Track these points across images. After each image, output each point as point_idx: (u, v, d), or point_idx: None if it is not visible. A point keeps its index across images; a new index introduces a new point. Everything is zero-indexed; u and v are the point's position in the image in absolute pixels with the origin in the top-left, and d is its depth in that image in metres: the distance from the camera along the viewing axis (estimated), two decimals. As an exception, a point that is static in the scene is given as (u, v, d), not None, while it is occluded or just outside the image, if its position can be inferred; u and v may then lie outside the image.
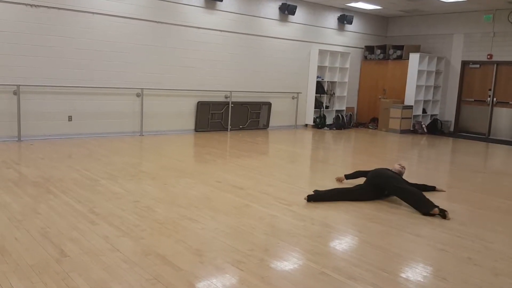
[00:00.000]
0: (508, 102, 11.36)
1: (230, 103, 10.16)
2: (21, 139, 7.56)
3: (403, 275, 3.01)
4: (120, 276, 2.77)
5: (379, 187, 4.87)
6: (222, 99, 10.16)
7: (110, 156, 6.59)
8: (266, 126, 11.07)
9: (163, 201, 4.43)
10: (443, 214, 4.32)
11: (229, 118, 10.22)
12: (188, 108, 9.65)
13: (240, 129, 10.54)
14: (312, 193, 4.85)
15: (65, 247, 3.18)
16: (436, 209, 4.36)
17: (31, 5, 7.42)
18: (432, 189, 5.41)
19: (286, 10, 10.73)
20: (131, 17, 8.53)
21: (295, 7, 10.81)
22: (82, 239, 3.36)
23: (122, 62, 8.55)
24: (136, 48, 8.69)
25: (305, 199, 4.71)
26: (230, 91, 10.15)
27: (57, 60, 7.80)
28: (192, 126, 9.79)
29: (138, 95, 8.84)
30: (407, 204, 4.72)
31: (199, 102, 9.73)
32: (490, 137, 11.65)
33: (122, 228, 3.63)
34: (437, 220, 4.26)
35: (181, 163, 6.42)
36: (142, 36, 8.74)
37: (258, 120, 10.91)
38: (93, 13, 8.06)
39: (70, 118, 8.09)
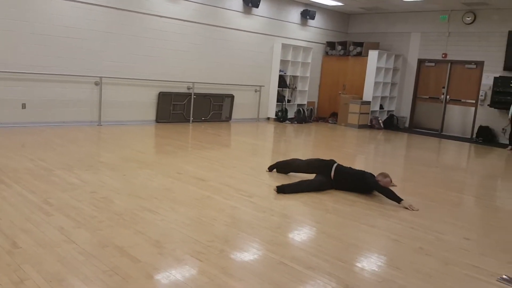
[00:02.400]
0: (460, 100, 11.89)
1: (192, 94, 10.06)
2: (-30, 126, 7.19)
3: (359, 265, 3.11)
4: (76, 268, 2.70)
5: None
6: (185, 90, 10.04)
7: (66, 146, 6.38)
8: (228, 118, 11.05)
9: (122, 192, 4.35)
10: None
11: (191, 109, 10.12)
12: (149, 99, 9.47)
13: (202, 121, 10.47)
14: (280, 185, 4.87)
15: (17, 239, 3.06)
16: None
17: (-19, -15, 7.03)
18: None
19: (250, 3, 10.71)
20: (91, 3, 8.24)
21: (259, 0, 10.80)
22: (35, 230, 3.25)
23: (81, 49, 8.26)
24: (96, 35, 8.42)
25: (274, 190, 4.76)
26: (192, 82, 10.04)
27: (10, 45, 7.43)
28: (153, 117, 9.63)
29: (96, 84, 8.58)
30: (363, 197, 4.88)
31: (160, 92, 9.57)
32: (443, 133, 12.17)
33: (78, 219, 3.53)
34: (391, 212, 4.43)
35: (142, 154, 6.31)
36: (102, 23, 8.47)
37: (221, 112, 10.87)
38: (49, -4, 7.74)
39: (23, 106, 7.75)
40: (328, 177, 5.05)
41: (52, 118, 8.12)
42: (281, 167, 5.69)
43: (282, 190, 4.76)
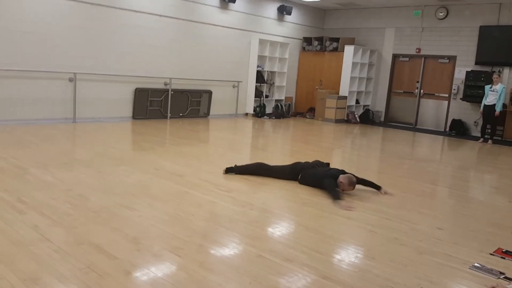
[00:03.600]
0: (434, 94, 12.15)
1: (169, 90, 9.97)
2: None
3: (336, 256, 3.16)
4: (51, 267, 2.66)
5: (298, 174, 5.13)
6: (162, 86, 9.94)
7: (40, 144, 6.24)
8: (206, 114, 11.01)
9: (97, 190, 4.29)
10: None
11: (169, 105, 10.04)
12: (125, 95, 9.35)
13: (180, 117, 10.40)
14: (232, 166, 5.32)
15: (-11, 239, 2.99)
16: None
17: None
18: (378, 188, 4.99)
19: (227, -2, 10.67)
20: (63, -3, 8.07)
21: (236, -5, 10.76)
22: (9, 229, 3.17)
23: (54, 44, 8.08)
24: (70, 31, 8.24)
25: (223, 172, 5.25)
26: (169, 78, 9.95)
27: (-22, 40, 7.22)
28: (130, 114, 9.51)
29: (71, 80, 8.41)
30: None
31: (137, 88, 9.45)
32: (417, 126, 12.43)
33: (53, 217, 3.47)
34: (366, 204, 4.50)
35: (118, 150, 6.23)
36: (76, 18, 8.30)
37: (199, 108, 10.82)
38: (19, -10, 7.53)
39: (-6, 103, 7.55)
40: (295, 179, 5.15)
41: (25, 116, 7.92)
42: (242, 171, 5.30)
43: (231, 170, 5.23)
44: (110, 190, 4.29)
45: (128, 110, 9.46)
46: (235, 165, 5.34)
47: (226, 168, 5.31)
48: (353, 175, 4.86)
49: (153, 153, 6.22)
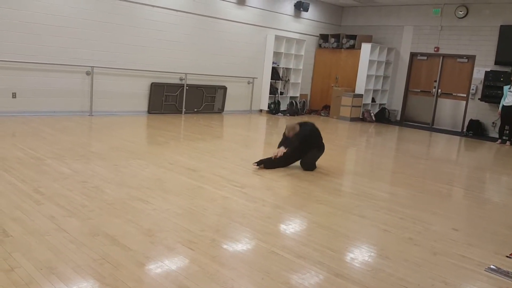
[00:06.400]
0: (452, 94, 11.97)
1: (185, 85, 10.01)
2: (-42, 115, 7.10)
3: (349, 254, 3.14)
4: (67, 256, 2.70)
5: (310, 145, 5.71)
6: (177, 81, 9.99)
7: (57, 135, 6.33)
8: (221, 110, 11.03)
9: (113, 182, 4.33)
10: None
11: (184, 100, 10.08)
12: (141, 89, 9.41)
13: (195, 112, 10.44)
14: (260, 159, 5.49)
15: (7, 227, 3.05)
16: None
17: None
18: None
19: (243, -6, 10.65)
20: (82, -9, 8.16)
21: (253, -9, 10.73)
22: (26, 219, 3.23)
23: (72, 38, 8.17)
24: (87, 24, 8.33)
25: (254, 164, 5.39)
26: (185, 73, 9.99)
27: (0, 33, 7.34)
28: (145, 108, 9.58)
29: (88, 73, 8.51)
30: (353, 187, 4.91)
31: (152, 83, 9.51)
32: (434, 126, 12.26)
33: (69, 208, 3.52)
34: (380, 203, 4.47)
35: (133, 144, 6.28)
36: (94, 12, 8.38)
37: (213, 104, 10.84)
38: (39, -16, 7.62)
39: (14, 95, 7.67)
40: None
41: (43, 108, 8.05)
42: (269, 164, 5.47)
43: (260, 163, 5.39)
44: (125, 183, 4.34)
45: (143, 104, 9.53)
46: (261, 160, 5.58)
47: (255, 162, 5.46)
48: (301, 130, 5.64)
49: (168, 148, 6.26)
